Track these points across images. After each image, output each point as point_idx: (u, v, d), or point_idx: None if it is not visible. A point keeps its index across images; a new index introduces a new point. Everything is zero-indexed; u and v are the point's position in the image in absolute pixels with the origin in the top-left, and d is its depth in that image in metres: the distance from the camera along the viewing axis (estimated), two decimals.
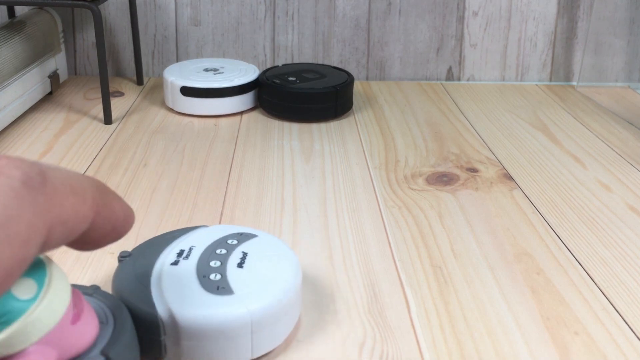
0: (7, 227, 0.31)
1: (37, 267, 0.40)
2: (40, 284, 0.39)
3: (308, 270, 0.69)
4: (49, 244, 0.35)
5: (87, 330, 0.44)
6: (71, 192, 0.36)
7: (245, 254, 0.56)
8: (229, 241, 0.58)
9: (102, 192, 0.39)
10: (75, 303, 0.43)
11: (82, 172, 0.90)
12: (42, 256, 0.40)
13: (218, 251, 0.56)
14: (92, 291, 0.51)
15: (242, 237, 0.59)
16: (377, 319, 0.61)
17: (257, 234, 0.60)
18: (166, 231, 0.62)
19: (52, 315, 0.40)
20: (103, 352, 0.44)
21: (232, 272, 0.54)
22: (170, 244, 0.58)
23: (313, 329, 0.60)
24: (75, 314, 0.42)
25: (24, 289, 0.39)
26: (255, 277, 0.54)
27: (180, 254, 0.56)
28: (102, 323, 0.47)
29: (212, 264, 0.54)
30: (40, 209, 0.33)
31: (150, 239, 0.60)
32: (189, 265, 0.54)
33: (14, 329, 0.38)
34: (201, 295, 0.51)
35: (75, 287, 0.44)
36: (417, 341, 0.58)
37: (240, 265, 0.55)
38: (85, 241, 0.40)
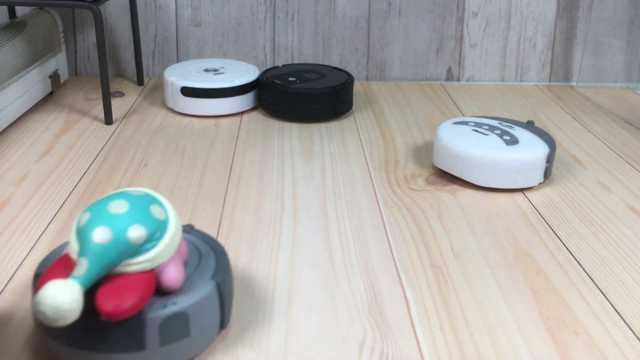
0: None
1: (156, 197, 0.55)
2: (164, 209, 0.54)
3: (307, 271, 0.69)
4: None
5: (184, 244, 0.57)
6: None
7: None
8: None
9: None
10: None
11: (83, 172, 0.90)
12: (149, 191, 0.56)
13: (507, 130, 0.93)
14: (189, 229, 0.63)
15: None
16: (377, 318, 0.61)
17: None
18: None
19: (179, 229, 0.54)
20: (213, 278, 0.55)
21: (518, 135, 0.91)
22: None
23: (313, 328, 0.60)
24: None
25: (158, 213, 0.53)
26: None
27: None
28: (204, 255, 0.59)
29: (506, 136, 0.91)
30: None
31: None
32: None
33: (169, 239, 0.53)
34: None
35: None
36: (417, 341, 0.58)
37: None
38: None
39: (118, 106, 1.17)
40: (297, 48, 1.34)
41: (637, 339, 0.59)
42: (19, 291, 0.64)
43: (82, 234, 0.51)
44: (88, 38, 1.33)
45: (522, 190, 0.88)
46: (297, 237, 0.75)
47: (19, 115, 1.07)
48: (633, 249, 0.74)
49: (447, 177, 0.92)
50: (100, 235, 0.50)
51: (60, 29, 1.23)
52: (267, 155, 0.97)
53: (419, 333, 0.59)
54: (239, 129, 1.07)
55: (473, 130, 0.91)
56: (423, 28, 1.34)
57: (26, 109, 1.09)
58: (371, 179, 0.91)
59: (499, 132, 0.91)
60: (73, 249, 0.52)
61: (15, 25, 1.10)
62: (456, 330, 0.60)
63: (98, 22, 1.03)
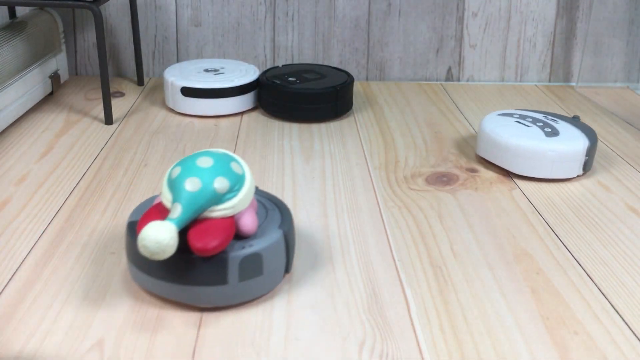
0: None
1: (234, 157, 0.64)
2: (241, 166, 0.64)
3: (308, 270, 0.69)
4: None
5: (254, 199, 0.67)
6: None
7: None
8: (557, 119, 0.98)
9: None
10: None
11: (83, 172, 0.90)
12: (227, 151, 0.65)
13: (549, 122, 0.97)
14: (254, 189, 0.70)
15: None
16: (377, 318, 0.61)
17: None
18: None
19: (253, 184, 0.64)
20: (280, 227, 0.65)
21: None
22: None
23: (313, 328, 0.60)
24: None
25: (237, 169, 0.63)
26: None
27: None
28: (269, 209, 0.68)
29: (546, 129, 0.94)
30: None
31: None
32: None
33: (246, 191, 0.62)
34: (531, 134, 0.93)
35: None
36: (417, 341, 0.59)
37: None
38: None
39: (118, 106, 1.17)
40: (297, 48, 1.34)
41: (637, 339, 0.59)
42: (19, 291, 0.64)
43: (176, 185, 0.61)
44: (88, 38, 1.33)
45: (521, 190, 0.88)
46: (297, 237, 0.75)
47: (19, 116, 1.07)
48: (633, 249, 0.74)
49: (447, 177, 0.92)
50: (191, 184, 0.60)
51: (61, 29, 1.23)
52: (267, 155, 0.98)
53: (419, 333, 0.60)
54: (239, 129, 1.07)
55: (516, 121, 0.96)
56: (423, 28, 1.34)
57: (26, 109, 1.09)
58: (371, 179, 0.91)
59: (541, 124, 0.95)
60: (167, 198, 0.62)
61: (15, 26, 1.10)
62: (456, 330, 0.60)
63: (98, 22, 1.03)
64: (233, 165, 0.63)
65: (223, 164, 0.62)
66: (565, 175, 0.90)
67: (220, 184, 0.61)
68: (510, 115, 0.99)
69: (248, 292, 0.62)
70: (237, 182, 0.62)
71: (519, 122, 0.95)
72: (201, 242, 0.58)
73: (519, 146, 0.90)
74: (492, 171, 0.94)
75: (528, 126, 0.94)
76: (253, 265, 0.61)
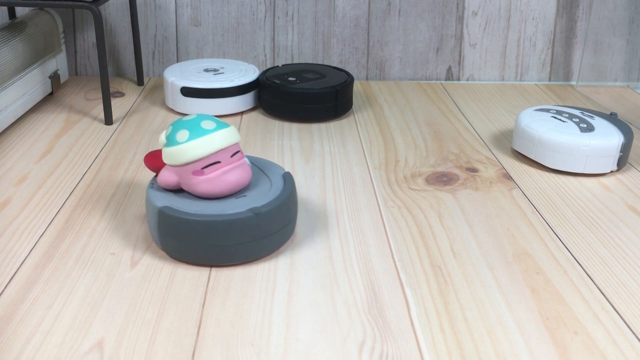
0: None
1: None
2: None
3: (307, 271, 0.69)
4: None
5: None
6: None
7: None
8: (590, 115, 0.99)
9: None
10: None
11: (83, 172, 0.90)
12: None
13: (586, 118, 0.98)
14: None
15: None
16: (377, 318, 0.61)
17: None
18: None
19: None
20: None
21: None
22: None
23: (313, 328, 0.60)
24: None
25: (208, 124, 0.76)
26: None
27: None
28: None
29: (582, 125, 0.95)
30: None
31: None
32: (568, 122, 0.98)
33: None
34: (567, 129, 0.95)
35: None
36: (417, 341, 0.59)
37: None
38: None
39: (118, 106, 1.17)
40: (297, 48, 1.34)
41: (637, 339, 0.59)
42: (19, 291, 0.64)
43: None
44: (88, 38, 1.33)
45: (521, 190, 0.88)
46: (297, 237, 0.75)
47: (19, 116, 1.07)
48: (633, 248, 0.74)
49: (447, 177, 0.92)
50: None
51: (60, 29, 1.23)
52: (267, 155, 0.98)
53: (418, 333, 0.60)
54: (238, 129, 1.07)
55: (552, 117, 0.97)
56: (423, 27, 1.34)
57: (26, 110, 1.09)
58: (371, 179, 0.91)
59: (577, 120, 0.96)
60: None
61: (15, 26, 1.10)
62: (456, 330, 0.60)
63: (98, 22, 1.03)
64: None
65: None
66: (599, 170, 0.92)
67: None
68: (547, 110, 1.00)
69: None
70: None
71: (555, 117, 0.97)
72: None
73: (554, 140, 0.91)
74: (492, 171, 0.94)
75: (564, 121, 0.95)
76: None
